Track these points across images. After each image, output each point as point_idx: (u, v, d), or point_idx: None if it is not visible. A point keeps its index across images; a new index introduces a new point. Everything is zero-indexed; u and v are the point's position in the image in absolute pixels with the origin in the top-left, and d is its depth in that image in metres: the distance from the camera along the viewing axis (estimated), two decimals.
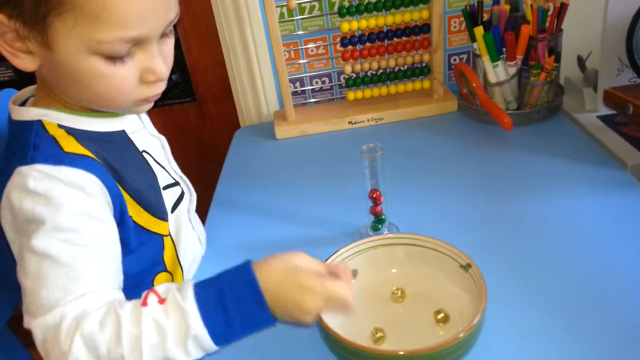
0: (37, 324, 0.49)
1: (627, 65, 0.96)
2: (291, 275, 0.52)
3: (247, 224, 0.85)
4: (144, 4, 0.50)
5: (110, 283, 0.53)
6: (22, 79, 1.24)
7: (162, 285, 0.52)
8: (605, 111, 0.98)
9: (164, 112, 1.33)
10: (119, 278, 0.56)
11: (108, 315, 0.49)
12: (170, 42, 0.58)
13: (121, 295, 0.54)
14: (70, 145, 0.56)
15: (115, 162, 0.59)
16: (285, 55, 1.07)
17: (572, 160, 0.87)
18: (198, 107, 1.34)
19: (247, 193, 0.94)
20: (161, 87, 0.58)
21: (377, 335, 0.58)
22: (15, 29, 0.50)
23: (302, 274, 0.52)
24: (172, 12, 0.54)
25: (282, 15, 1.11)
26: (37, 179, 0.52)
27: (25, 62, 0.53)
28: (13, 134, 0.58)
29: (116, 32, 0.50)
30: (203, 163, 1.38)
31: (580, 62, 1.07)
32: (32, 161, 0.53)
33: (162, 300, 0.50)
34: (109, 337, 0.48)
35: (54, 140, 0.55)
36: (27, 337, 0.79)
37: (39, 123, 0.56)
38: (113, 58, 0.52)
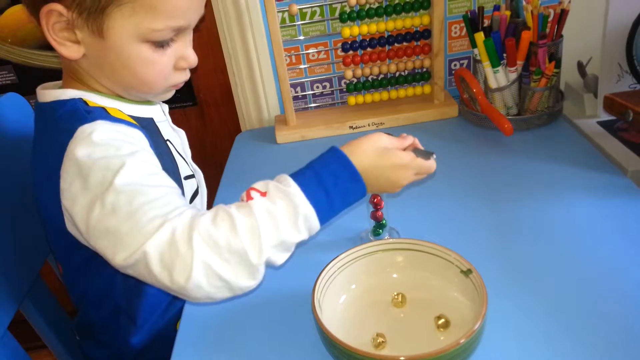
0: (149, 246, 0.48)
1: (627, 72, 0.96)
2: (384, 155, 0.59)
3: None
4: None
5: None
6: (24, 83, 1.24)
7: (258, 183, 0.56)
8: (606, 117, 0.99)
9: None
10: None
11: (217, 215, 0.51)
12: (191, 34, 0.64)
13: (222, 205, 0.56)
14: (119, 114, 0.60)
15: (150, 142, 0.62)
16: (286, 60, 1.07)
17: (573, 166, 0.88)
18: (199, 112, 1.35)
19: None
20: (188, 74, 0.65)
21: (378, 341, 0.58)
22: (70, 19, 0.54)
23: (393, 153, 0.60)
24: (204, 6, 0.61)
25: (283, 20, 1.11)
26: (103, 131, 0.55)
27: (71, 51, 0.57)
28: (51, 112, 0.59)
29: (168, 21, 0.56)
30: (204, 167, 1.38)
31: (581, 68, 1.07)
32: (93, 119, 0.56)
33: (264, 193, 0.54)
34: (225, 232, 0.49)
35: (102, 109, 0.59)
36: (28, 341, 0.79)
37: (80, 100, 0.59)
38: (159, 45, 0.58)
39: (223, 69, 1.24)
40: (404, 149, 0.63)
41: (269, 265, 0.54)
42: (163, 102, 0.72)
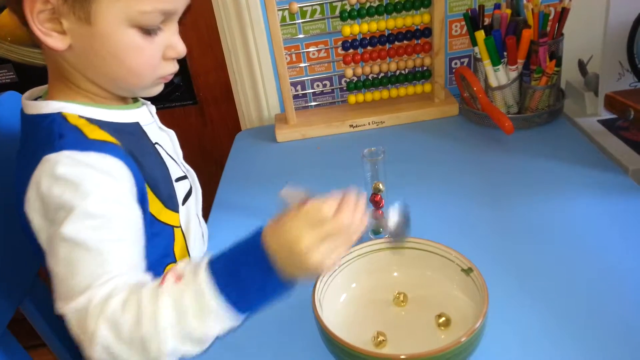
0: (68, 310, 0.50)
1: (628, 70, 0.96)
2: (296, 250, 0.50)
3: (248, 227, 0.84)
4: None
5: (137, 267, 0.54)
6: (24, 81, 1.24)
7: (179, 263, 0.53)
8: (606, 115, 0.98)
9: (165, 114, 1.33)
10: (144, 263, 0.57)
11: (130, 297, 0.49)
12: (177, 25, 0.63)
13: (147, 278, 0.54)
14: (94, 133, 0.58)
15: (135, 151, 0.60)
16: (286, 58, 1.07)
17: (573, 165, 0.87)
18: (199, 110, 1.34)
19: (248, 196, 0.94)
20: (177, 65, 0.63)
21: (379, 339, 0.58)
22: (55, 7, 0.53)
23: (306, 252, 0.49)
24: None
25: (283, 18, 1.11)
26: (65, 164, 0.53)
27: (57, 41, 0.55)
28: (31, 127, 0.59)
29: (156, 3, 0.55)
30: (204, 166, 1.38)
31: (581, 66, 1.07)
32: (60, 148, 0.54)
33: (178, 279, 0.50)
34: (130, 319, 0.48)
35: (77, 129, 0.57)
36: (28, 340, 0.79)
37: (60, 115, 0.58)
38: (148, 31, 0.57)
39: (223, 67, 1.23)
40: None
41: (181, 357, 0.51)
42: (152, 102, 0.71)
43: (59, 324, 0.80)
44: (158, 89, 0.65)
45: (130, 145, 0.61)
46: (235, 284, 0.50)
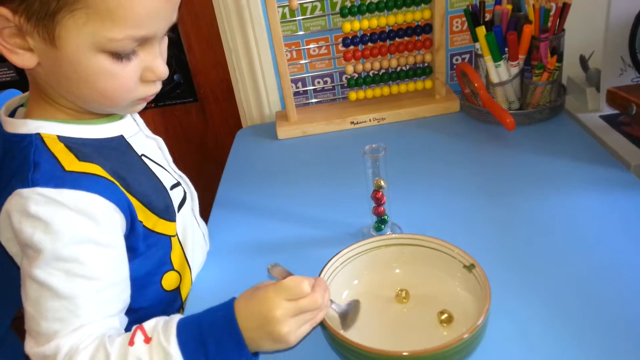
0: (35, 354, 0.51)
1: (630, 65, 0.96)
2: (266, 325, 0.51)
3: (249, 225, 0.85)
4: (156, 4, 0.51)
5: (110, 310, 0.54)
6: (24, 79, 1.24)
7: (150, 321, 0.53)
8: (608, 111, 0.98)
9: (166, 112, 1.33)
10: (123, 298, 0.56)
11: (97, 352, 0.50)
12: (165, 42, 0.58)
13: (117, 323, 0.55)
14: (72, 164, 0.54)
15: (120, 169, 0.58)
16: (287, 55, 1.07)
17: (575, 161, 0.87)
18: (200, 108, 1.34)
19: (249, 193, 0.94)
20: (158, 86, 0.58)
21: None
22: (18, 25, 0.49)
23: (275, 325, 0.51)
24: (175, 14, 0.55)
25: (284, 15, 1.11)
26: (38, 202, 0.51)
27: (23, 59, 0.52)
28: (10, 147, 0.56)
29: (128, 30, 0.50)
30: (205, 163, 1.38)
31: (583, 61, 1.07)
32: (33, 184, 0.51)
33: (147, 340, 0.51)
34: None
35: (54, 158, 0.54)
36: None
37: (38, 137, 0.55)
38: (119, 56, 0.52)
39: (223, 64, 1.23)
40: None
41: None
42: (152, 100, 0.68)
43: None
44: (138, 107, 0.61)
45: (115, 163, 0.58)
46: (204, 354, 0.51)
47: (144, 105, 0.61)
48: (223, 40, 1.18)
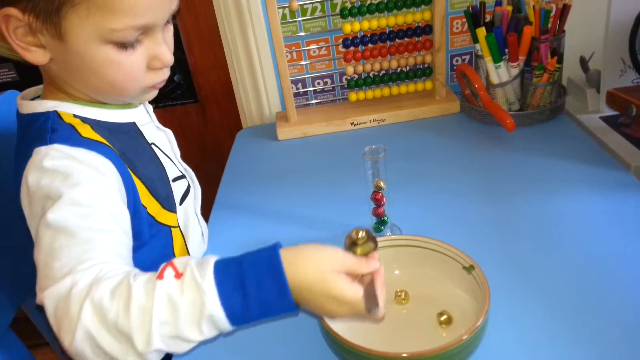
0: (48, 294, 0.47)
1: (630, 66, 0.96)
2: (325, 281, 0.49)
3: (249, 225, 0.85)
4: None
5: (125, 259, 0.52)
6: (25, 80, 1.24)
7: (181, 258, 0.50)
8: (608, 112, 0.98)
9: (166, 113, 1.33)
10: (131, 259, 0.55)
11: (121, 283, 0.47)
12: (170, 29, 0.60)
13: (136, 270, 0.51)
14: (87, 132, 0.57)
15: (128, 151, 0.60)
16: (287, 56, 1.07)
17: (575, 162, 0.87)
18: (200, 109, 1.34)
19: (249, 194, 0.94)
20: (166, 73, 0.61)
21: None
22: (28, 23, 0.52)
23: (336, 283, 0.49)
24: (175, 1, 0.57)
25: (284, 16, 1.11)
26: (55, 157, 0.53)
27: (37, 56, 0.54)
28: (26, 125, 0.58)
29: (127, 20, 0.52)
30: (205, 164, 1.38)
31: (583, 63, 1.07)
32: (51, 142, 0.54)
33: (179, 275, 0.48)
34: (118, 306, 0.45)
35: (71, 126, 0.57)
36: (30, 339, 0.79)
37: (55, 113, 0.57)
38: (124, 46, 0.54)
39: (224, 65, 1.23)
40: (361, 276, 0.53)
41: (167, 353, 0.49)
42: (152, 101, 0.70)
43: None
44: (149, 96, 0.63)
45: (124, 145, 0.60)
46: (242, 294, 0.48)
47: (155, 92, 0.63)
48: (223, 41, 1.18)
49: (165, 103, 1.30)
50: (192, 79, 1.29)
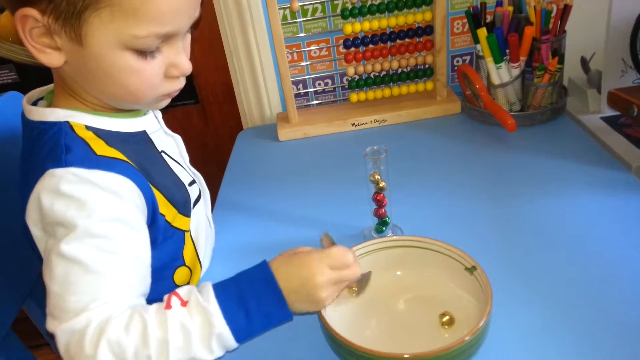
0: (62, 329, 0.49)
1: (631, 67, 0.96)
2: (294, 256, 0.55)
3: (250, 226, 0.85)
4: (179, 1, 0.52)
5: (136, 291, 0.54)
6: (25, 82, 1.24)
7: (182, 288, 0.53)
8: (609, 112, 0.98)
9: (167, 114, 1.32)
10: (146, 283, 0.56)
11: (132, 319, 0.49)
12: (188, 38, 0.59)
13: (143, 302, 0.54)
14: (102, 149, 0.56)
15: (143, 161, 0.59)
16: (288, 57, 1.07)
17: (576, 162, 0.87)
18: (201, 110, 1.34)
19: (250, 195, 0.94)
20: (182, 82, 0.60)
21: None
22: (47, 25, 0.51)
23: (315, 288, 0.54)
24: (197, 9, 0.57)
25: (284, 17, 1.11)
26: (71, 182, 0.52)
27: (52, 58, 0.53)
28: (37, 135, 0.57)
29: (152, 27, 0.51)
30: (206, 165, 1.37)
31: (584, 63, 1.07)
32: (67, 164, 0.52)
33: (184, 303, 0.51)
34: (135, 341, 0.48)
35: (85, 142, 0.55)
36: (31, 339, 0.79)
37: (67, 124, 0.56)
38: (144, 53, 0.53)
39: (224, 66, 1.23)
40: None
41: None
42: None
43: None
44: (163, 104, 0.62)
45: (138, 155, 0.59)
46: (244, 310, 0.52)
47: (168, 101, 0.63)
48: (224, 42, 1.18)
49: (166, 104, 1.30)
50: (193, 79, 1.29)
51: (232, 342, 0.51)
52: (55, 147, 0.54)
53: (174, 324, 0.49)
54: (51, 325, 0.50)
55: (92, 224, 0.51)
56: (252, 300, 0.52)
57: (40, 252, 0.55)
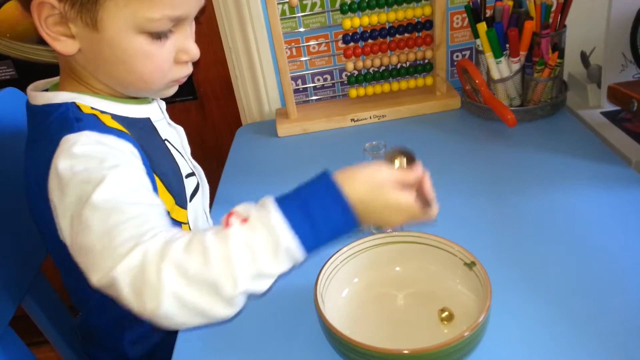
0: (120, 270, 0.46)
1: (631, 61, 0.95)
2: (380, 192, 0.53)
3: None
4: None
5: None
6: (23, 78, 1.24)
7: (239, 206, 0.52)
8: (609, 107, 0.98)
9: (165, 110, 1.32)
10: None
11: (191, 242, 0.47)
12: (194, 26, 0.62)
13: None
14: (110, 122, 0.57)
15: (147, 146, 0.60)
16: (286, 52, 1.06)
17: (576, 157, 0.87)
18: (200, 105, 1.34)
19: (249, 191, 0.94)
20: (190, 68, 0.62)
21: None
22: (62, 12, 0.52)
23: (390, 193, 0.53)
24: None
25: (283, 12, 1.10)
26: (86, 143, 0.52)
27: (66, 46, 0.55)
28: (42, 116, 0.57)
29: (165, 10, 0.53)
30: (205, 161, 1.37)
31: (584, 58, 1.06)
32: (80, 129, 0.53)
33: (244, 220, 0.49)
34: (197, 260, 0.46)
35: (94, 115, 0.57)
36: (30, 337, 0.79)
37: (73, 104, 0.57)
38: (158, 36, 0.55)
39: (223, 62, 1.23)
40: (410, 184, 0.57)
41: (250, 295, 0.50)
42: (162, 99, 0.71)
43: (60, 320, 0.80)
44: (170, 91, 0.64)
45: (142, 139, 0.60)
46: (310, 222, 0.50)
47: (176, 88, 0.64)
48: (222, 38, 1.17)
49: (165, 100, 1.29)
50: (192, 75, 1.28)
51: (299, 254, 0.50)
52: (65, 120, 0.55)
53: (237, 240, 0.47)
54: (101, 276, 0.47)
55: (118, 174, 0.51)
56: (317, 210, 0.50)
57: (62, 229, 0.53)
